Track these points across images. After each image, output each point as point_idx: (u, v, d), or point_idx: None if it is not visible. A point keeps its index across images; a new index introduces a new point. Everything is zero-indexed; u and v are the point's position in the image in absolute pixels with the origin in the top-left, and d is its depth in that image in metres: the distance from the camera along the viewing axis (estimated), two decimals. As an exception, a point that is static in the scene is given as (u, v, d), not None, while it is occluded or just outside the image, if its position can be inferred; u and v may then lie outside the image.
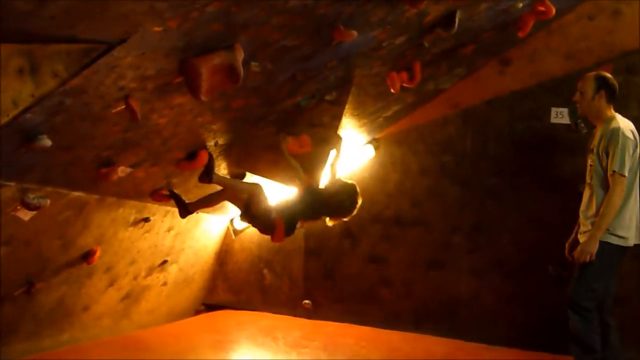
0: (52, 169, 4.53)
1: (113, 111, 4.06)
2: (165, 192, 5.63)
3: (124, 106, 4.04)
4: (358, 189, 5.39)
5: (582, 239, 4.86)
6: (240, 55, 4.04)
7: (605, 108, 4.90)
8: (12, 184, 4.43)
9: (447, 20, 4.83)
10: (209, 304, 7.90)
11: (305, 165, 5.66)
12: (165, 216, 6.23)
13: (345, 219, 5.50)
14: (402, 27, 4.75)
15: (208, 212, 6.84)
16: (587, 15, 5.83)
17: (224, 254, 7.83)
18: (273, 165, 6.20)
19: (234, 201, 5.61)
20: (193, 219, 6.53)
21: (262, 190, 5.37)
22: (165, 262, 6.70)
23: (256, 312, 7.60)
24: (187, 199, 5.65)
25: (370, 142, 6.92)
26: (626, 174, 4.68)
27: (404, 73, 5.47)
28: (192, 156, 5.36)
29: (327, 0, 3.95)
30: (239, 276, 7.79)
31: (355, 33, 4.38)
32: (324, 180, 6.08)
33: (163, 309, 7.17)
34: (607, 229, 4.72)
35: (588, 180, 4.93)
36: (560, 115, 5.77)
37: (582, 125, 5.36)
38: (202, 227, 7.09)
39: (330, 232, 7.16)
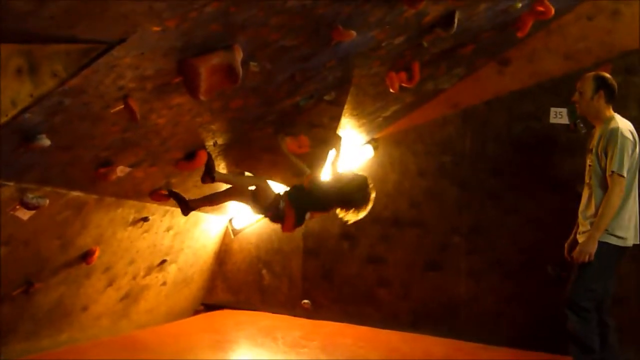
0: (51, 169, 4.53)
1: (112, 111, 4.06)
2: (164, 192, 5.63)
3: (122, 106, 4.04)
4: (370, 182, 5.24)
5: (581, 239, 4.87)
6: (239, 56, 4.04)
7: (604, 108, 4.90)
8: (11, 183, 4.43)
9: (446, 20, 4.83)
10: (208, 304, 7.90)
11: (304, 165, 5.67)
12: (164, 216, 6.23)
13: (360, 213, 5.24)
14: (401, 27, 4.75)
15: (207, 212, 6.84)
16: (586, 15, 5.83)
17: (223, 254, 7.83)
18: (272, 165, 6.20)
19: (240, 199, 5.52)
20: (192, 218, 6.54)
21: (267, 181, 5.34)
22: (164, 261, 6.69)
23: (255, 312, 7.60)
24: (187, 198, 5.64)
25: (369, 142, 6.92)
26: (625, 175, 4.69)
27: (402, 73, 5.47)
28: (191, 156, 5.35)
29: (325, 0, 3.95)
30: (238, 276, 7.79)
31: (354, 33, 4.38)
32: (324, 178, 6.07)
33: (162, 309, 7.16)
34: (606, 230, 4.73)
35: (587, 180, 4.94)
36: (559, 116, 5.77)
37: (581, 125, 5.36)
38: (201, 227, 7.09)
39: (328, 232, 7.17)
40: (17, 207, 4.59)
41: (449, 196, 6.61)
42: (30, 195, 4.58)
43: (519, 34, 5.41)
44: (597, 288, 4.84)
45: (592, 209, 4.82)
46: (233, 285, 7.83)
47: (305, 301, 7.32)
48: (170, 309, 7.31)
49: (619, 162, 4.68)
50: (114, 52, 3.47)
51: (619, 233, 4.76)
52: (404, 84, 5.52)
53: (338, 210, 5.26)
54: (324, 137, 5.99)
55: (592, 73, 5.01)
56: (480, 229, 6.46)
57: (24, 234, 4.93)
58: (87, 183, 4.98)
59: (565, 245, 5.18)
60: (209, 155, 5.31)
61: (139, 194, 5.59)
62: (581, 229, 4.92)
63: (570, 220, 5.12)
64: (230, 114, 5.06)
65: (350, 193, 5.21)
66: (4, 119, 3.50)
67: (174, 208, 6.03)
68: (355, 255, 7.12)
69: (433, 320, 6.69)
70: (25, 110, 3.57)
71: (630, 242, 4.83)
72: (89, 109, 3.97)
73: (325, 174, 6.11)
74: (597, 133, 4.92)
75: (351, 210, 5.21)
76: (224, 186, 5.55)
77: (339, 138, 5.93)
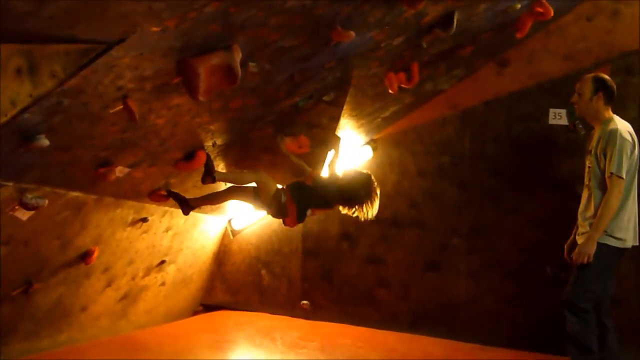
0: (50, 169, 4.53)
1: (111, 111, 4.06)
2: (164, 192, 5.62)
3: (121, 106, 4.04)
4: (374, 179, 5.20)
5: (580, 240, 4.87)
6: (238, 56, 4.04)
7: (603, 109, 4.90)
8: (10, 184, 4.43)
9: (445, 21, 4.83)
10: (207, 305, 7.89)
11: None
12: (163, 216, 6.23)
13: (366, 210, 5.16)
14: (400, 28, 4.75)
15: (206, 213, 6.84)
16: (586, 15, 5.83)
17: (222, 255, 7.83)
18: (272, 166, 6.19)
19: (241, 197, 5.49)
20: (191, 219, 6.54)
21: (267, 176, 5.32)
22: (163, 262, 6.69)
23: (254, 312, 7.60)
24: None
25: (368, 143, 6.92)
26: (624, 176, 4.69)
27: (401, 74, 5.46)
28: (190, 157, 5.35)
29: (325, 0, 3.95)
30: (237, 277, 7.79)
31: (353, 34, 4.38)
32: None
33: (161, 310, 7.16)
34: (605, 231, 4.72)
35: (586, 181, 4.93)
36: (558, 116, 5.77)
37: (580, 126, 5.35)
38: (200, 228, 7.09)
39: (328, 233, 7.17)
40: (17, 207, 4.60)
41: (448, 196, 6.61)
42: (29, 196, 4.58)
43: (518, 35, 5.41)
44: (596, 289, 4.84)
45: (592, 210, 4.81)
46: (232, 286, 7.83)
47: (304, 302, 7.32)
48: (169, 310, 7.31)
49: (617, 164, 4.68)
50: (113, 52, 3.47)
51: (618, 234, 4.76)
52: (403, 85, 5.52)
53: (341, 207, 5.25)
54: (323, 138, 5.99)
55: (591, 74, 5.01)
56: (480, 229, 6.45)
57: (24, 234, 4.93)
58: (86, 183, 4.98)
59: (565, 246, 5.17)
60: (208, 156, 5.30)
61: (138, 194, 5.59)
62: (580, 230, 4.92)
63: (569, 221, 5.12)
64: (229, 114, 5.06)
65: (354, 190, 5.17)
66: (3, 119, 3.50)
67: (173, 209, 6.03)
68: (354, 256, 7.11)
69: (432, 321, 6.68)
70: (24, 110, 3.57)
71: (629, 244, 4.83)
72: (88, 109, 3.97)
73: (324, 175, 6.11)
74: (596, 134, 4.92)
75: (355, 207, 5.18)
76: (224, 186, 5.55)
77: (338, 139, 5.92)
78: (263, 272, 7.64)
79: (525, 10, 5.18)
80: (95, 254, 5.66)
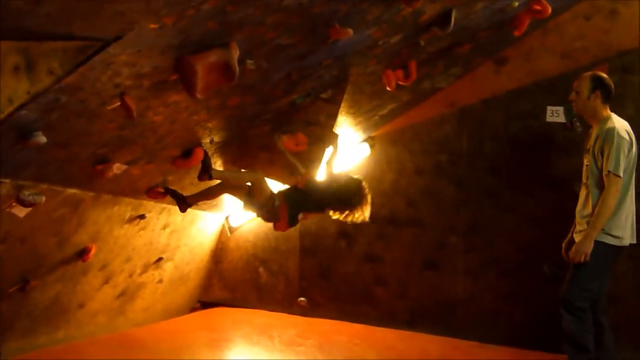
0: (47, 166, 4.52)
1: (108, 108, 4.06)
2: (161, 190, 5.63)
3: (119, 103, 4.04)
4: (365, 185, 5.31)
5: (577, 238, 4.87)
6: (235, 53, 4.04)
7: (601, 108, 4.90)
8: (7, 180, 4.42)
9: (443, 19, 4.84)
10: (204, 302, 7.90)
11: (301, 163, 5.66)
12: (160, 213, 6.23)
13: (358, 215, 5.26)
14: (398, 26, 4.75)
15: (204, 210, 6.84)
16: (584, 14, 5.84)
17: (219, 252, 7.83)
18: (269, 163, 6.20)
19: (234, 193, 5.54)
20: (189, 216, 6.54)
21: (264, 178, 5.35)
22: (160, 259, 6.69)
23: (251, 310, 7.61)
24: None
25: (365, 141, 6.91)
26: (621, 174, 4.69)
27: (399, 71, 5.47)
28: (187, 154, 5.35)
29: (322, -2, 3.95)
30: (235, 274, 7.79)
31: (350, 31, 4.38)
32: (320, 177, 6.08)
33: (158, 307, 7.16)
34: (603, 229, 4.73)
35: (584, 180, 4.94)
36: (555, 114, 5.78)
37: (578, 124, 5.36)
38: (198, 225, 7.09)
39: (326, 231, 7.17)
40: (13, 204, 4.59)
41: (446, 195, 6.61)
42: (26, 193, 4.58)
43: (516, 33, 5.41)
44: (592, 287, 4.84)
45: (589, 209, 4.82)
46: (229, 283, 7.83)
47: (302, 299, 7.32)
48: (167, 307, 7.31)
49: (615, 162, 4.68)
50: (110, 49, 3.47)
51: (615, 232, 4.76)
52: (400, 83, 5.52)
53: (331, 212, 5.31)
54: (321, 135, 5.99)
55: (589, 73, 5.01)
56: (478, 227, 6.46)
57: (20, 231, 4.92)
58: (84, 180, 4.98)
59: (563, 244, 5.18)
60: (206, 153, 5.31)
61: (135, 191, 5.59)
62: (578, 228, 4.93)
63: (567, 219, 5.12)
64: (226, 111, 5.06)
65: (348, 195, 5.26)
66: (0, 116, 3.50)
67: (170, 206, 6.02)
68: (352, 254, 7.12)
69: (430, 319, 6.69)
70: (21, 107, 3.57)
71: (626, 242, 4.83)
72: (85, 106, 3.97)
73: (322, 172, 6.12)
74: (593, 133, 4.92)
75: (346, 212, 5.28)
76: (220, 182, 5.57)
77: (336, 136, 5.92)
78: (260, 269, 7.64)
79: (523, 9, 5.19)
80: (93, 251, 5.66)
